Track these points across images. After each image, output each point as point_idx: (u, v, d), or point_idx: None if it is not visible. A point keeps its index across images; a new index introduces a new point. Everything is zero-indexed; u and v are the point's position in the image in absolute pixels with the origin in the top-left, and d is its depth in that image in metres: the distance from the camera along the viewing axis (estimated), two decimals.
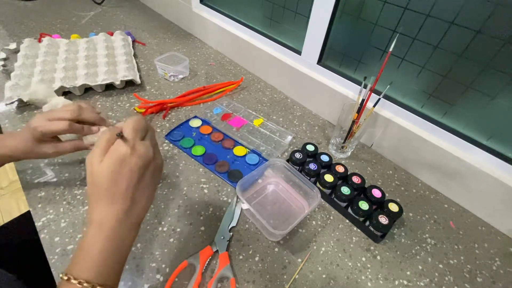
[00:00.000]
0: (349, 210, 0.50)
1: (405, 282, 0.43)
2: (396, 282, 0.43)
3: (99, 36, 0.89)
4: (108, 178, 0.28)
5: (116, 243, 0.28)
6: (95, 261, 0.27)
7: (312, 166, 0.54)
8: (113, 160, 0.28)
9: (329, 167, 0.56)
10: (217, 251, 0.43)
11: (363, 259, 0.45)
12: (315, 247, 0.46)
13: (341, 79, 0.66)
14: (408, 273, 0.45)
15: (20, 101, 0.61)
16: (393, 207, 0.49)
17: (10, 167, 1.51)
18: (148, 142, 0.31)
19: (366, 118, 0.55)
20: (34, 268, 0.58)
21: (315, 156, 0.58)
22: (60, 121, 0.40)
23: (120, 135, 0.29)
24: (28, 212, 0.60)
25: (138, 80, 0.74)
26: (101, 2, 1.17)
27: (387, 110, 0.60)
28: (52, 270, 0.39)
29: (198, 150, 0.59)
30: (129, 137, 0.29)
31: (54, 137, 0.44)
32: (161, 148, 0.59)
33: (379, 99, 0.54)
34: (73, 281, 0.26)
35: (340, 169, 0.54)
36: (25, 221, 0.66)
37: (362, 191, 0.53)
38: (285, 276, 0.42)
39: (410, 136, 0.57)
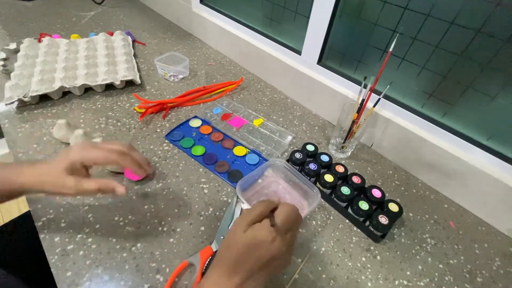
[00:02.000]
0: (349, 210, 0.50)
1: (405, 282, 0.43)
2: (396, 282, 0.43)
3: (99, 36, 0.89)
4: (240, 250, 0.29)
5: None
6: None
7: (312, 166, 0.54)
8: (253, 239, 0.29)
9: (329, 167, 0.56)
10: (217, 251, 0.43)
11: (363, 259, 0.45)
12: (315, 247, 0.46)
13: (341, 79, 0.66)
14: (408, 273, 0.45)
15: (20, 101, 0.61)
16: (393, 207, 0.49)
17: None
18: (289, 239, 0.31)
19: (366, 118, 0.55)
20: (34, 268, 0.58)
21: (315, 156, 0.58)
22: (109, 151, 0.39)
23: (271, 216, 0.31)
24: (28, 212, 0.60)
25: (138, 80, 0.74)
26: (101, 2, 1.17)
27: (387, 110, 0.60)
28: (52, 270, 0.39)
29: (198, 150, 0.59)
30: (277, 225, 0.30)
31: (85, 171, 0.40)
32: (161, 148, 0.59)
33: (379, 99, 0.54)
34: None
35: (340, 169, 0.54)
36: (25, 221, 0.66)
37: (362, 191, 0.53)
38: (285, 276, 0.42)
39: (410, 136, 0.57)
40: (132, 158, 0.41)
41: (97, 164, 0.39)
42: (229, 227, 0.46)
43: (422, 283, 0.43)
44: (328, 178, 0.51)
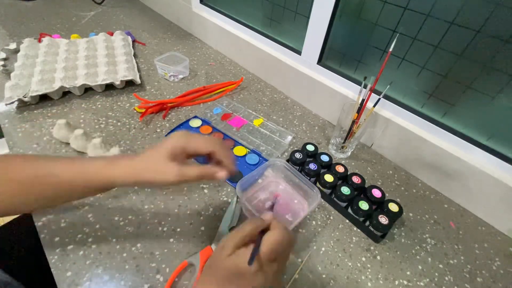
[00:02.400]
0: (349, 210, 0.50)
1: (405, 282, 0.43)
2: (396, 282, 0.43)
3: (99, 36, 0.89)
4: (223, 276, 0.28)
5: None
6: None
7: (312, 166, 0.54)
8: (236, 267, 0.27)
9: (329, 167, 0.56)
10: None
11: (363, 259, 0.45)
12: (315, 247, 0.46)
13: (341, 79, 0.66)
14: (408, 273, 0.45)
15: (20, 101, 0.61)
16: (393, 207, 0.49)
17: None
18: (275, 269, 0.29)
19: (366, 118, 0.55)
20: (34, 268, 0.58)
21: (315, 156, 0.58)
22: (208, 140, 0.37)
23: (259, 243, 0.28)
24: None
25: (138, 80, 0.74)
26: (101, 2, 1.17)
27: (387, 110, 0.60)
28: (52, 270, 0.39)
29: None
30: (263, 255, 0.28)
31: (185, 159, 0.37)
32: None
33: (379, 99, 0.54)
34: None
35: (340, 169, 0.54)
36: (25, 221, 0.66)
37: (362, 191, 0.53)
38: (285, 276, 0.42)
39: (410, 136, 0.57)
40: (228, 151, 0.38)
41: (197, 153, 0.37)
42: (229, 227, 0.46)
43: (422, 283, 0.43)
44: (328, 178, 0.51)
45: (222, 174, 0.36)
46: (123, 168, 0.34)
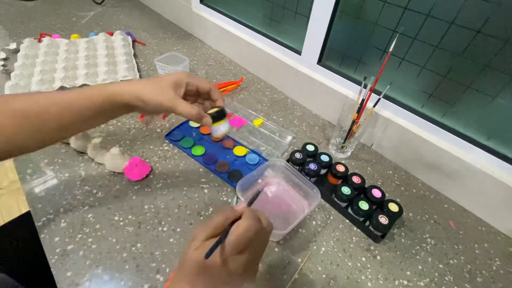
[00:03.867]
0: (349, 210, 0.50)
1: (405, 282, 0.43)
2: (396, 282, 0.43)
3: (99, 36, 0.89)
4: (191, 271, 0.26)
5: None
6: None
7: (312, 166, 0.54)
8: (201, 260, 0.26)
9: (329, 167, 0.56)
10: None
11: (363, 259, 0.45)
12: (315, 247, 0.46)
13: (341, 79, 0.66)
14: (408, 273, 0.45)
15: None
16: (393, 207, 0.49)
17: (10, 167, 1.51)
18: (242, 261, 0.27)
19: (366, 118, 0.55)
20: (34, 268, 0.58)
21: (315, 156, 0.58)
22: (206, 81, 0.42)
23: (225, 235, 0.27)
24: (28, 212, 0.60)
25: None
26: (101, 2, 1.17)
27: (387, 110, 0.60)
28: (52, 270, 0.39)
29: (198, 150, 0.59)
30: (227, 247, 0.26)
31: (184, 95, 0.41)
32: (161, 148, 0.59)
33: (379, 99, 0.54)
34: None
35: (340, 168, 0.54)
36: (25, 221, 0.66)
37: (362, 191, 0.53)
38: (285, 276, 0.42)
39: (410, 136, 0.57)
40: (221, 94, 0.43)
41: (198, 88, 0.41)
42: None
43: (422, 283, 0.43)
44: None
45: (208, 119, 0.40)
46: (124, 85, 0.37)
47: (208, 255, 0.25)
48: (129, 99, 0.36)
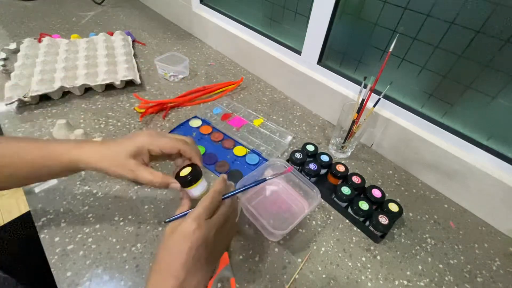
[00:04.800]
0: (349, 210, 0.50)
1: (405, 282, 0.43)
2: (396, 282, 0.43)
3: (99, 36, 0.89)
4: (170, 251, 0.29)
5: None
6: None
7: (312, 166, 0.54)
8: (177, 235, 0.29)
9: (329, 167, 0.56)
10: None
11: (363, 259, 0.45)
12: (315, 247, 0.46)
13: (341, 79, 0.66)
14: (408, 273, 0.45)
15: (20, 101, 0.61)
16: (393, 207, 0.49)
17: None
18: (214, 221, 0.31)
19: (366, 118, 0.55)
20: (34, 268, 0.58)
21: (315, 156, 0.58)
22: (176, 140, 0.38)
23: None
24: (28, 212, 0.60)
25: (138, 80, 0.74)
26: (101, 2, 1.17)
27: (387, 110, 0.60)
28: (52, 270, 0.39)
29: None
30: (197, 212, 0.30)
31: (148, 159, 0.38)
32: None
33: (379, 99, 0.54)
34: None
35: (340, 168, 0.54)
36: (25, 221, 0.66)
37: (362, 191, 0.53)
38: (285, 276, 0.42)
39: (410, 136, 0.57)
40: (196, 150, 0.39)
41: (163, 153, 0.37)
42: None
43: (422, 283, 0.43)
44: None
45: (175, 185, 0.37)
46: (89, 153, 0.36)
47: (169, 220, 0.32)
48: (92, 167, 0.36)
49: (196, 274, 0.29)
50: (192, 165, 0.38)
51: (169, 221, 0.32)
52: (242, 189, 0.36)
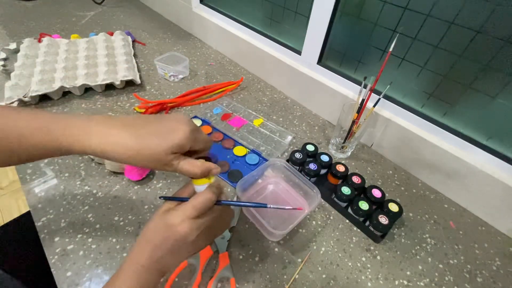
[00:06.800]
0: (349, 210, 0.50)
1: (405, 282, 0.43)
2: (396, 282, 0.43)
3: (99, 36, 0.89)
4: (151, 231, 0.30)
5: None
6: None
7: (312, 166, 0.54)
8: (163, 222, 0.30)
9: (329, 167, 0.56)
10: (217, 251, 0.43)
11: (363, 259, 0.45)
12: (315, 247, 0.46)
13: (341, 79, 0.66)
14: (408, 273, 0.45)
15: (20, 101, 0.61)
16: (393, 207, 0.49)
17: (10, 167, 1.51)
18: (200, 222, 0.30)
19: (366, 118, 0.55)
20: (34, 268, 0.58)
21: (315, 156, 0.58)
22: (208, 141, 0.34)
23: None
24: (28, 212, 0.60)
25: (138, 80, 0.74)
26: (101, 2, 1.17)
27: (387, 110, 0.60)
28: (52, 270, 0.39)
29: None
30: (187, 208, 0.30)
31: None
32: None
33: (379, 99, 0.54)
34: None
35: (340, 168, 0.54)
36: (25, 221, 0.66)
37: (362, 191, 0.53)
38: (285, 276, 0.42)
39: (410, 136, 0.57)
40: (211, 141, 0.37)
41: (197, 152, 0.34)
42: (229, 227, 0.46)
43: (422, 283, 0.43)
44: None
45: (217, 170, 0.34)
46: (113, 145, 0.29)
47: (164, 198, 0.33)
48: (108, 159, 0.30)
49: (162, 262, 0.30)
50: (207, 158, 0.35)
51: (164, 198, 0.33)
52: (239, 203, 0.35)
